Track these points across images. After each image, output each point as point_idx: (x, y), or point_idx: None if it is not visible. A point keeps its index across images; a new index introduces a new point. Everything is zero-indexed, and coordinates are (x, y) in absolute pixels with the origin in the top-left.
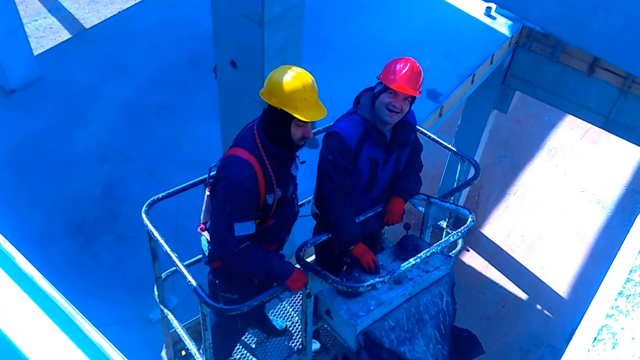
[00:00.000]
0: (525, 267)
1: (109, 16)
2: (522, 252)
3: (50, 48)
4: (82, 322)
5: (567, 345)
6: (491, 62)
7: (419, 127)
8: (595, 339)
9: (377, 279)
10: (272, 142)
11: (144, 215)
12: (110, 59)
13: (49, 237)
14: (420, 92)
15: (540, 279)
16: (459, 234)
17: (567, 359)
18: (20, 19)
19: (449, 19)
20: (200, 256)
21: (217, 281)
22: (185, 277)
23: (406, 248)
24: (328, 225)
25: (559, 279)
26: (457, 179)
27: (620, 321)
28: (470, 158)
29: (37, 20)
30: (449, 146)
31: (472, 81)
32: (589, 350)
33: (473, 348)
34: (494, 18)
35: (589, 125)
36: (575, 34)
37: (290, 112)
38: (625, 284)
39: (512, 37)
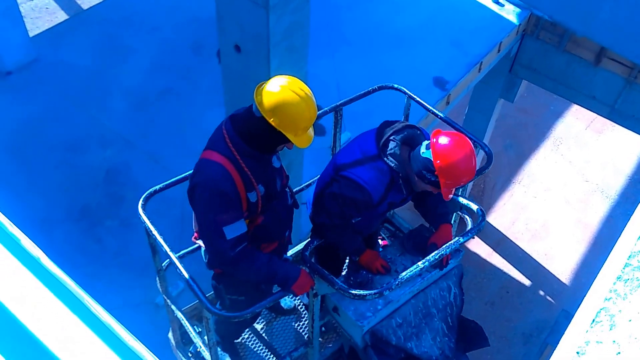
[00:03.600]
0: (529, 255)
1: None
2: (526, 240)
3: (47, 29)
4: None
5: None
6: (499, 50)
7: (434, 110)
8: (593, 320)
9: (384, 286)
10: (251, 147)
11: (140, 210)
12: (109, 41)
13: (52, 221)
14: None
15: (543, 266)
16: (469, 234)
17: (566, 340)
18: None
19: (456, 5)
20: None
21: (220, 286)
22: (190, 281)
23: (415, 241)
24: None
25: (562, 266)
26: None
27: (618, 304)
28: (483, 144)
29: (32, 0)
30: (465, 131)
31: (480, 69)
32: (587, 331)
33: (478, 340)
34: (502, 5)
35: (595, 115)
36: (582, 23)
37: (288, 137)
38: (624, 268)
39: (520, 25)
